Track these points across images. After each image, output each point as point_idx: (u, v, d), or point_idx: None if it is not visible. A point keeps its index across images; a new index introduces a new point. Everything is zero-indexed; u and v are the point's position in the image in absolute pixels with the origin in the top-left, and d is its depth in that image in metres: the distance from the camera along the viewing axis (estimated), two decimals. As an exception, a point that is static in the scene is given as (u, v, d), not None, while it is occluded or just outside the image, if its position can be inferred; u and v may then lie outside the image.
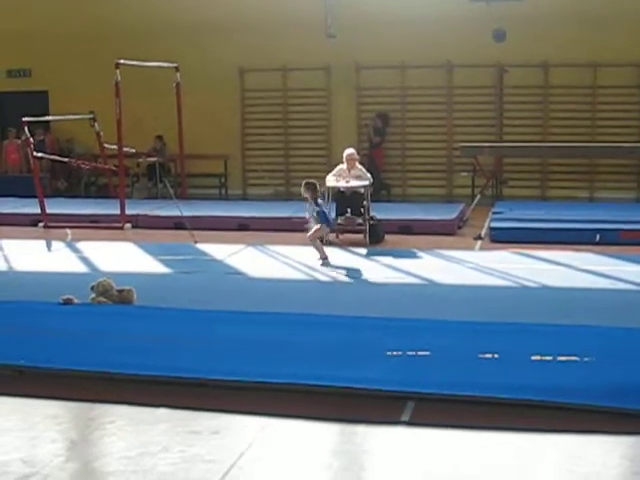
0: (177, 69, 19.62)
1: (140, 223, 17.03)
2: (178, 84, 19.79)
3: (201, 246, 14.46)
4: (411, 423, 6.72)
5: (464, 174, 20.09)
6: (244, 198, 21.86)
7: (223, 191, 22.27)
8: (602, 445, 6.33)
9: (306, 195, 13.21)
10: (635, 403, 6.78)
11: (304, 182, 13.35)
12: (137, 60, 17.89)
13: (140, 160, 21.21)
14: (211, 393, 7.30)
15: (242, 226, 16.41)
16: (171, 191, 16.71)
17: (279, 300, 10.48)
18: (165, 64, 19.29)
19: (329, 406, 7.02)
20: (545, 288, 11.31)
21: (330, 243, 14.70)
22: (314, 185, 13.23)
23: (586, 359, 7.60)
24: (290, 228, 15.64)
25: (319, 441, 6.52)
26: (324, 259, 12.90)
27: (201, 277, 12.18)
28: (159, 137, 21.76)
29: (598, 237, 14.50)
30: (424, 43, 20.41)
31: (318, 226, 13.15)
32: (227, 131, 21.99)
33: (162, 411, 6.94)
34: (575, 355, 7.68)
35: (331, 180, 15.19)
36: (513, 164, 20.67)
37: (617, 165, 20.67)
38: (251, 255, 13.81)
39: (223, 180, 22.22)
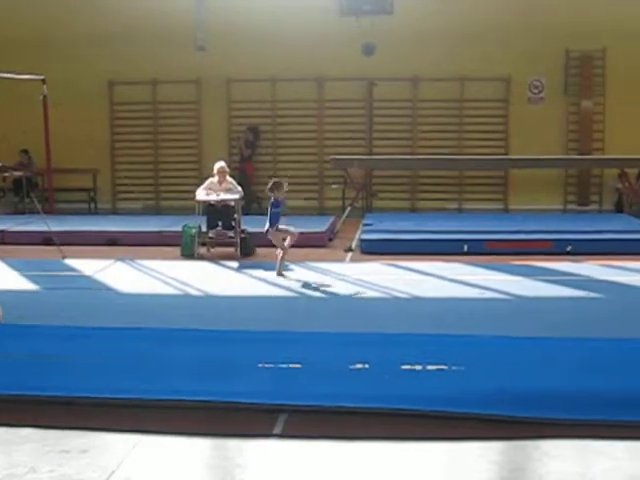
0: (44, 82, 19.24)
1: (6, 239, 16.59)
2: (45, 97, 19.40)
3: (69, 261, 14.18)
4: (283, 435, 6.70)
5: (334, 186, 20.25)
6: (114, 212, 21.56)
7: (92, 205, 21.91)
8: (472, 451, 6.42)
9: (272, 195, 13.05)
10: (503, 410, 6.91)
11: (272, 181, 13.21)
12: (1, 72, 17.47)
13: (6, 174, 20.71)
14: (80, 411, 7.14)
15: (111, 241, 16.16)
16: (38, 206, 16.35)
17: (148, 315, 10.34)
18: (32, 76, 18.90)
19: (201, 421, 6.95)
20: (415, 298, 11.44)
21: (201, 257, 14.64)
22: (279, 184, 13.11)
23: (455, 368, 7.71)
24: (160, 242, 15.50)
25: (192, 457, 6.44)
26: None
27: (69, 293, 11.92)
28: (24, 151, 21.29)
29: (466, 247, 14.78)
30: (295, 56, 20.51)
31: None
32: (96, 145, 21.67)
33: (27, 431, 6.76)
34: (444, 364, 7.78)
35: (201, 194, 15.11)
36: (383, 176, 20.95)
37: (484, 177, 21.17)
38: (120, 270, 13.59)
39: (92, 194, 21.87)
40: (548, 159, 19.22)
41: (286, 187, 13.30)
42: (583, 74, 20.95)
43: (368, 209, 20.15)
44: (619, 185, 20.31)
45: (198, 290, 12.00)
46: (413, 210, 21.14)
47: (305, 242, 15.68)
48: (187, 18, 20.61)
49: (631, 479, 6.01)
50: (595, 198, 21.36)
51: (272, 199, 13.03)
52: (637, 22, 19.69)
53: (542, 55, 20.55)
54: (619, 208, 20.50)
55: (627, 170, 19.24)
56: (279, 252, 12.99)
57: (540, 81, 20.98)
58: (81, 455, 6.35)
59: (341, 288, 12.07)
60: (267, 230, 13.07)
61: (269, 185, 13.18)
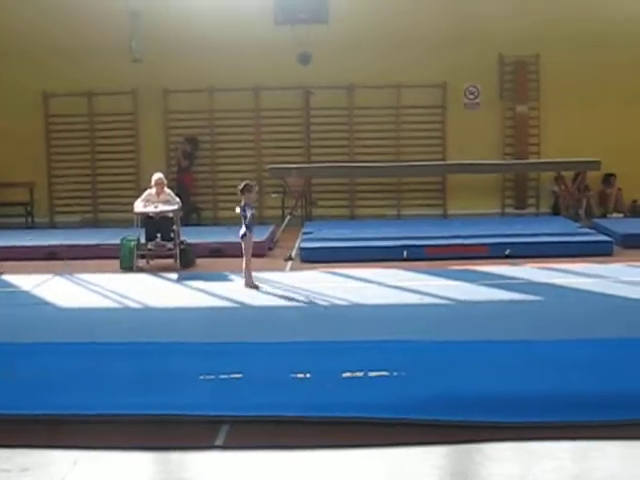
0: (-23, 95, 19.00)
1: (-60, 256, 16.32)
2: (-22, 110, 19.16)
3: (6, 277, 13.99)
4: (225, 447, 6.70)
5: (274, 195, 20.24)
6: (52, 226, 21.32)
7: (29, 219, 21.65)
8: (415, 457, 6.47)
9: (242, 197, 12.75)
10: (444, 414, 6.96)
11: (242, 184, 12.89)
12: None
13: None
14: (20, 429, 7.06)
15: (50, 255, 15.98)
16: (-27, 221, 16.15)
17: (88, 329, 10.22)
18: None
19: (142, 435, 6.92)
20: (356, 305, 11.46)
21: (141, 269, 14.55)
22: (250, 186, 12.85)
23: (396, 374, 7.74)
24: (100, 255, 15.39)
25: (134, 472, 6.40)
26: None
27: (6, 309, 11.76)
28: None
29: (405, 253, 14.85)
30: (231, 66, 20.45)
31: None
32: (32, 158, 21.39)
33: (-34, 450, 6.68)
34: (385, 370, 7.80)
35: (139, 205, 15.01)
36: (322, 184, 20.98)
37: (422, 183, 21.28)
38: (59, 285, 13.44)
39: (29, 208, 21.61)
40: (485, 164, 19.41)
41: (256, 189, 13.10)
42: (518, 79, 21.16)
43: (307, 217, 20.15)
44: (555, 188, 20.55)
45: (138, 303, 11.91)
46: (352, 217, 21.17)
47: (245, 252, 15.68)
48: (122, 29, 20.43)
49: (573, 479, 6.09)
50: (532, 201, 21.56)
51: (242, 202, 12.71)
52: (569, 28, 19.91)
53: (477, 61, 20.71)
54: (556, 211, 20.72)
55: (563, 173, 19.50)
56: (245, 262, 12.78)
57: (476, 87, 21.15)
58: (22, 474, 6.30)
59: (282, 297, 12.05)
60: (244, 234, 12.71)
61: (240, 187, 12.82)
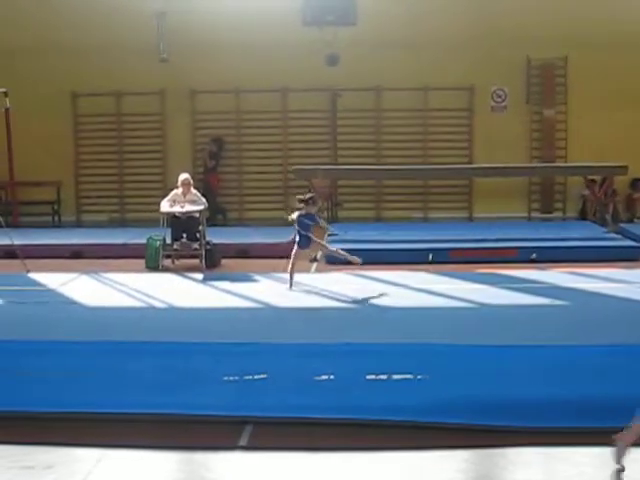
0: (6, 94, 19.08)
1: (-32, 253, 16.43)
2: (7, 109, 19.26)
3: (34, 275, 14.06)
4: (249, 447, 6.71)
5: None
6: (78, 225, 21.43)
7: (56, 218, 21.78)
8: (439, 460, 6.46)
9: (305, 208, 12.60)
10: (468, 418, 6.94)
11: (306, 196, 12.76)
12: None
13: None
14: (44, 426, 7.11)
15: (76, 254, 16.06)
16: (1, 219, 16.21)
17: (113, 328, 10.26)
18: (-6, 89, 18.79)
19: (166, 434, 6.94)
20: (380, 308, 11.44)
21: (166, 269, 14.59)
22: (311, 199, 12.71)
23: (420, 377, 7.72)
24: (125, 255, 15.44)
25: (158, 471, 6.42)
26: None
27: (32, 307, 11.82)
28: (-13, 164, 21.14)
29: (431, 256, 14.82)
30: (259, 67, 20.51)
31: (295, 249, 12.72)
32: (60, 157, 21.52)
33: (-9, 447, 6.72)
34: (410, 373, 7.79)
35: (166, 205, 15.05)
36: (348, 186, 21.00)
37: (449, 186, 21.27)
38: (85, 283, 13.49)
39: (56, 207, 21.74)
40: (511, 167, 19.36)
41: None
42: (545, 82, 21.11)
43: (333, 219, 20.15)
44: (585, 192, 20.43)
45: (163, 302, 11.92)
46: (378, 219, 21.18)
47: (270, 253, 15.71)
48: (150, 29, 20.55)
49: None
50: (559, 206, 21.51)
51: (303, 211, 12.54)
52: (597, 30, 19.85)
53: (504, 64, 20.68)
54: (583, 215, 20.64)
55: (592, 177, 19.42)
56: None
57: (503, 90, 21.11)
58: (46, 471, 6.32)
59: (307, 299, 12.05)
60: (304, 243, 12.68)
61: (305, 197, 12.68)
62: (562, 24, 19.98)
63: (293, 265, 12.62)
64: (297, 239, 12.69)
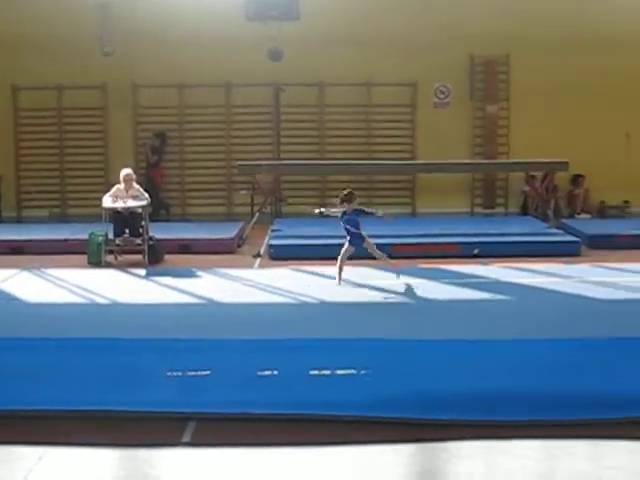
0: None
1: None
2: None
3: (-28, 271, 13.88)
4: (192, 444, 6.67)
5: (243, 192, 20.16)
6: (19, 221, 21.17)
7: (-4, 213, 21.51)
8: (382, 455, 6.47)
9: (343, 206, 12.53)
10: (410, 412, 6.97)
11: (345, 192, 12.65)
12: None
13: None
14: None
15: (16, 250, 15.86)
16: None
17: (55, 325, 10.18)
18: None
19: (109, 431, 6.87)
20: (322, 303, 11.47)
21: (109, 265, 14.48)
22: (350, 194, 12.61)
23: (363, 371, 7.75)
24: (67, 251, 15.31)
25: (100, 468, 6.36)
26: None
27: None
28: None
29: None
30: (202, 62, 20.39)
31: (346, 246, 12.65)
32: (0, 151, 21.24)
33: None
34: (353, 368, 7.81)
35: (108, 201, 14.95)
36: (292, 181, 20.97)
37: (392, 181, 21.32)
38: (26, 280, 13.34)
39: (-4, 202, 21.47)
40: (454, 164, 19.46)
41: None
42: (488, 79, 21.27)
43: (277, 214, 20.15)
44: (526, 188, 20.63)
45: (105, 298, 11.85)
46: (322, 215, 21.19)
47: (213, 248, 15.68)
48: (92, 22, 20.35)
49: (537, 477, 6.12)
50: (501, 201, 21.68)
51: (348, 209, 12.45)
52: (539, 29, 20.06)
53: (448, 61, 20.77)
54: (524, 211, 20.84)
55: (533, 173, 19.60)
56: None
57: (446, 86, 21.22)
58: (-15, 468, 6.24)
59: (249, 294, 12.04)
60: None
61: (345, 193, 12.61)
62: (505, 22, 20.15)
63: (342, 262, 12.53)
64: (348, 237, 12.55)
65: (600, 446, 6.62)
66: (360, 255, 12.82)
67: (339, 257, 12.54)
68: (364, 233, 12.60)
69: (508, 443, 6.64)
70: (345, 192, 12.64)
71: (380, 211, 12.99)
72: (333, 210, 12.76)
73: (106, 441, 6.70)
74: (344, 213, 12.48)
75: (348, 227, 12.49)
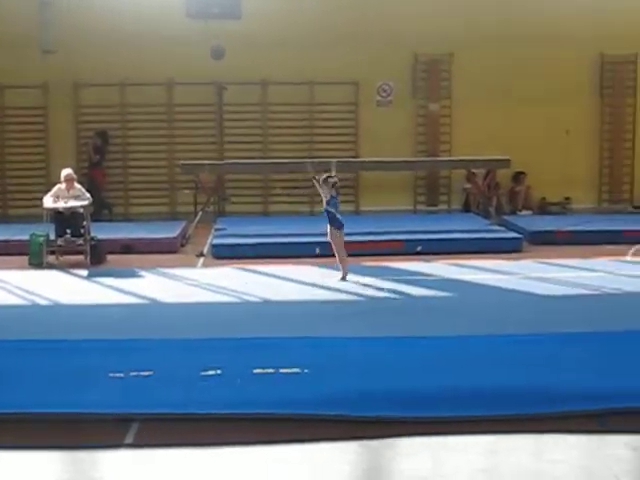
0: None
1: None
2: None
3: None
4: (136, 445, 6.62)
5: (186, 192, 20.06)
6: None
7: None
8: (327, 453, 6.48)
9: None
10: (355, 410, 6.98)
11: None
12: None
13: None
14: None
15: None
16: None
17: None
18: None
19: (51, 434, 6.80)
20: (266, 302, 11.46)
21: (50, 265, 14.34)
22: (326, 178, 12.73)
23: (307, 370, 7.76)
24: (8, 252, 15.15)
25: (42, 471, 6.29)
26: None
27: None
28: None
29: (318, 250, 14.87)
30: (144, 60, 20.24)
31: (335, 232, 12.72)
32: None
33: None
34: (297, 367, 7.81)
35: (49, 201, 14.81)
36: (235, 180, 20.90)
37: (335, 179, 21.30)
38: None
39: None
40: (397, 161, 19.51)
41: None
42: (430, 78, 21.36)
43: (220, 214, 20.09)
44: (467, 185, 20.79)
45: (47, 299, 11.74)
46: (266, 214, 21.16)
47: (156, 248, 15.60)
48: (32, 19, 20.10)
49: (482, 473, 6.15)
50: (444, 199, 21.80)
51: (330, 193, 12.69)
52: (481, 27, 20.22)
53: (391, 59, 20.83)
54: (467, 208, 20.99)
55: (474, 171, 19.73)
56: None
57: (389, 84, 21.28)
58: None
59: (192, 294, 11.99)
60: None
61: (333, 181, 12.81)
62: (448, 21, 20.31)
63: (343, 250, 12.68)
64: (336, 222, 12.69)
65: (542, 440, 6.68)
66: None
67: (337, 249, 12.63)
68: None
69: (452, 439, 6.68)
70: (325, 176, 12.76)
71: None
72: (324, 190, 12.80)
73: (48, 444, 6.63)
74: (333, 197, 12.63)
75: (334, 211, 12.65)
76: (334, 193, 12.75)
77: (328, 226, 12.80)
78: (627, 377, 7.70)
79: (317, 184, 12.89)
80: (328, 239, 12.87)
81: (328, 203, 12.74)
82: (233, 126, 21.15)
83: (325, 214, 12.80)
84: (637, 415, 7.03)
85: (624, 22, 20.61)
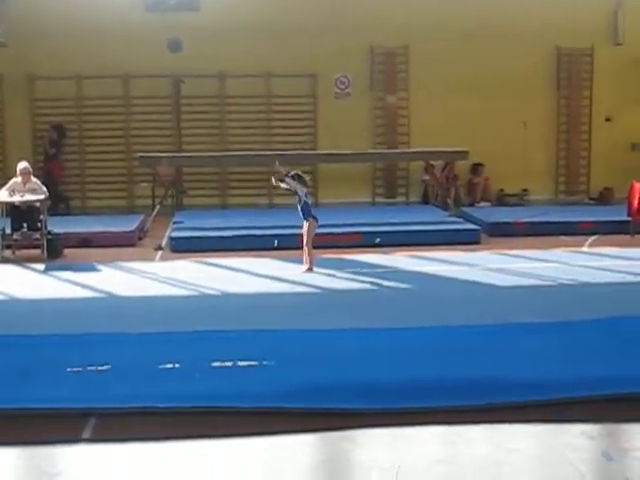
0: None
1: None
2: None
3: None
4: (93, 440, 6.58)
5: (143, 185, 19.97)
6: None
7: None
8: (286, 445, 6.49)
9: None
10: (313, 402, 6.99)
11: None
12: None
13: None
14: None
15: None
16: None
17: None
18: None
19: (6, 429, 6.74)
20: (225, 295, 11.44)
21: (6, 260, 14.21)
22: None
23: (265, 363, 7.75)
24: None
25: (-3, 468, 6.24)
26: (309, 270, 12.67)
27: None
28: None
29: (276, 242, 14.87)
30: (100, 53, 20.10)
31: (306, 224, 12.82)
32: None
33: None
34: (255, 360, 7.81)
35: (5, 195, 14.68)
36: (193, 173, 20.81)
37: (295, 172, 21.28)
38: None
39: None
40: (355, 154, 19.51)
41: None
42: (387, 70, 21.41)
43: (178, 207, 20.01)
44: (425, 177, 20.85)
45: (3, 294, 11.64)
46: (224, 206, 21.10)
47: (114, 241, 15.52)
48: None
49: (440, 463, 6.19)
50: (402, 191, 21.86)
51: (304, 188, 12.94)
52: (437, 20, 20.30)
53: (348, 51, 20.84)
54: (425, 200, 21.07)
55: (433, 162, 19.80)
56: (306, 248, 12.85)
57: (346, 77, 21.30)
58: None
59: (150, 287, 11.95)
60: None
61: (304, 178, 13.10)
62: (404, 14, 20.35)
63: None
64: (313, 214, 12.97)
65: (500, 430, 6.73)
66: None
67: (307, 240, 12.79)
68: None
69: (411, 430, 6.70)
70: (294, 172, 12.98)
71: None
72: (300, 187, 12.94)
73: (3, 440, 6.57)
74: (307, 194, 12.95)
75: (308, 206, 12.92)
76: (307, 190, 12.99)
77: (304, 220, 12.84)
78: (583, 367, 7.77)
79: (290, 181, 12.89)
80: (304, 231, 12.91)
81: (306, 196, 12.95)
82: (191, 119, 21.08)
83: (301, 209, 12.83)
84: (593, 404, 7.10)
85: (580, 15, 20.81)
